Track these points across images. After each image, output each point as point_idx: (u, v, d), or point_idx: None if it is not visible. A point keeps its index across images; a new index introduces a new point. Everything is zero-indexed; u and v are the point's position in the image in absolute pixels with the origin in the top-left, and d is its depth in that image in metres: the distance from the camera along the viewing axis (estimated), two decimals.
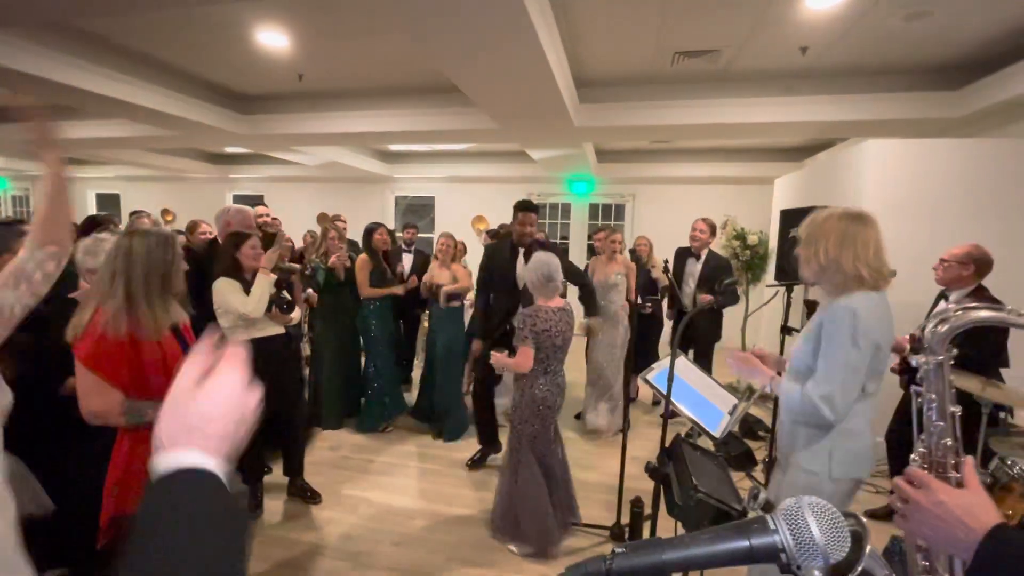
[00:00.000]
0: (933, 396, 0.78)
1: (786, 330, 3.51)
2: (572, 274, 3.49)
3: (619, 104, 4.52)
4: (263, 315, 2.74)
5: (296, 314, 2.98)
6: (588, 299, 3.62)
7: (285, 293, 2.86)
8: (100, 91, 3.95)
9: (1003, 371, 2.69)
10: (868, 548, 0.76)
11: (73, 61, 3.73)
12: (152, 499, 0.44)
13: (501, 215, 7.67)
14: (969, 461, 0.76)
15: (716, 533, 0.46)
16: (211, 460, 0.47)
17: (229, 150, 8.34)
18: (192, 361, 0.53)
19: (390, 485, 3.33)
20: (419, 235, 5.34)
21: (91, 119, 5.77)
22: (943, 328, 0.79)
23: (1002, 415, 2.73)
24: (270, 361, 2.78)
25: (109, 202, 10.80)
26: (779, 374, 1.74)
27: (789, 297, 3.55)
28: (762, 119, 4.28)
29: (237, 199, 10.29)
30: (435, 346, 4.13)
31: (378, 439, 4.00)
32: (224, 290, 2.65)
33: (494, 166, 8.07)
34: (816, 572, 0.40)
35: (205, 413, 0.49)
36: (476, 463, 3.55)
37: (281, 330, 2.90)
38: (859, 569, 0.44)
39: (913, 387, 0.83)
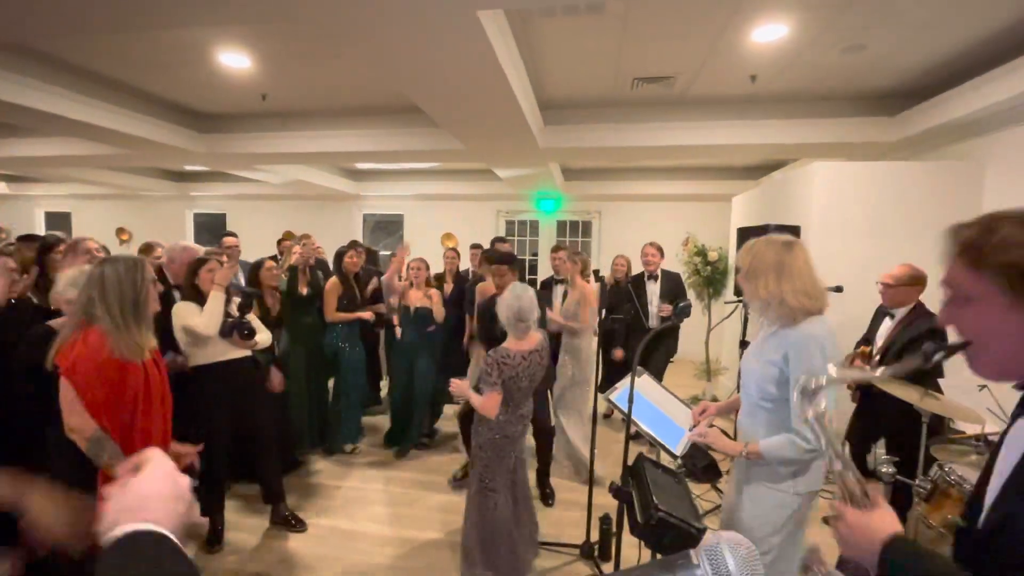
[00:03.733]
0: (832, 453, 0.88)
1: (744, 344, 3.64)
2: None
3: (582, 126, 4.66)
4: (220, 337, 2.68)
5: (262, 338, 2.92)
6: None
7: (248, 318, 2.80)
8: (49, 109, 3.82)
9: (944, 381, 2.87)
10: None
11: (19, 79, 3.60)
12: (110, 558, 0.49)
13: (470, 232, 7.70)
14: (873, 487, 0.89)
15: (644, 569, 0.49)
16: (158, 528, 0.52)
17: (189, 168, 8.13)
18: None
19: (358, 512, 3.25)
20: (383, 253, 5.28)
21: (38, 136, 5.55)
22: (822, 406, 0.90)
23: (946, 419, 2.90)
24: (234, 385, 2.73)
25: (59, 221, 10.31)
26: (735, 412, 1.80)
27: (747, 312, 3.70)
28: (715, 141, 4.48)
29: (198, 217, 10.01)
30: (406, 371, 4.04)
31: (346, 464, 3.91)
32: (181, 313, 2.64)
33: (462, 184, 8.13)
34: None
35: (142, 493, 0.55)
36: (460, 480, 3.57)
37: (246, 354, 2.84)
38: None
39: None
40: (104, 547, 0.50)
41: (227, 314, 2.76)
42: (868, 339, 3.13)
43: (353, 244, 4.15)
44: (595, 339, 3.69)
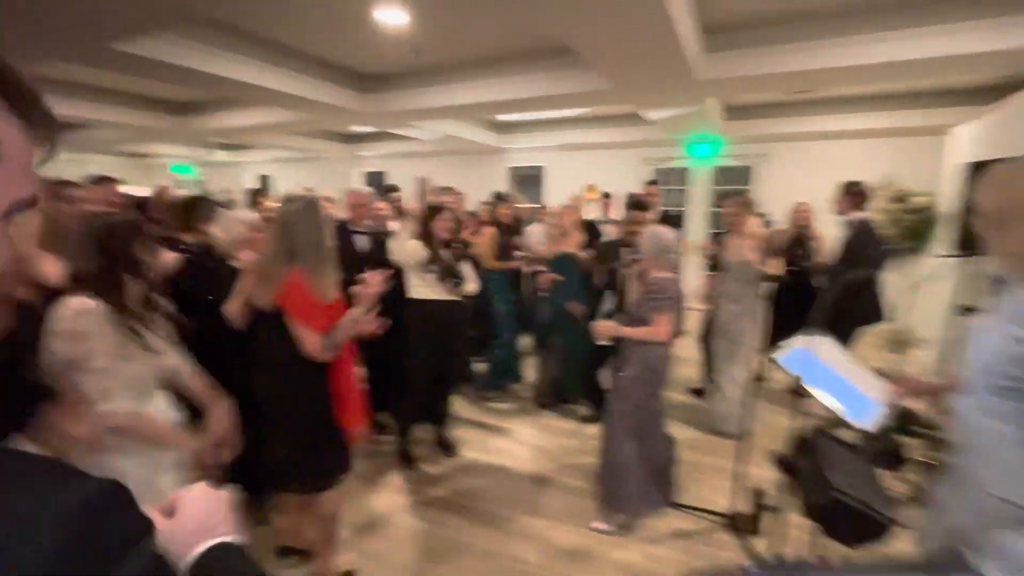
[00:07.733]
0: None
1: (963, 311, 2.91)
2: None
3: (754, 50, 3.97)
4: (437, 281, 2.95)
5: (471, 287, 3.13)
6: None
7: (462, 267, 3.02)
8: (244, 79, 4.44)
9: None
10: None
11: (219, 53, 4.21)
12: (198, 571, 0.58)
13: (614, 184, 7.34)
14: None
15: (888, 570, 0.34)
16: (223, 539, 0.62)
17: (356, 130, 9.00)
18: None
19: (502, 448, 3.42)
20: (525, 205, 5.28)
21: (241, 108, 6.58)
22: None
23: None
24: (435, 323, 3.02)
25: (263, 183, 12.42)
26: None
27: (970, 270, 2.92)
28: (942, 52, 3.46)
29: (366, 175, 11.18)
30: (559, 323, 3.88)
31: (492, 408, 4.07)
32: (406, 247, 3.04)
33: (606, 131, 7.72)
34: None
35: (189, 529, 0.62)
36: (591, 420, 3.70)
37: (456, 298, 3.09)
38: None
39: None
40: (187, 570, 0.58)
41: (443, 261, 2.97)
42: None
43: (499, 196, 4.24)
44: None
